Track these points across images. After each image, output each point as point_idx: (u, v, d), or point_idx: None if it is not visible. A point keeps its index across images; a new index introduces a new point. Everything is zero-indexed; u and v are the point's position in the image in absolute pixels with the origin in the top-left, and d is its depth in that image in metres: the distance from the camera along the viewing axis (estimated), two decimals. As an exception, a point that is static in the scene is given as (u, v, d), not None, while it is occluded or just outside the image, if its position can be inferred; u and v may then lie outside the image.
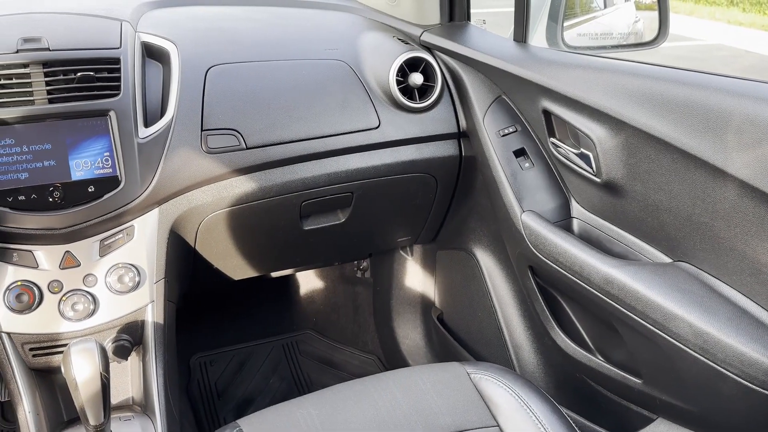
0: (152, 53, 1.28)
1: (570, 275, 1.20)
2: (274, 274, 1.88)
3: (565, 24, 1.44)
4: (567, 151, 1.24)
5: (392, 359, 1.93)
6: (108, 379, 0.97)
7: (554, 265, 1.23)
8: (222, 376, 1.89)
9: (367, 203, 1.45)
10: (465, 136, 1.46)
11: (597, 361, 1.27)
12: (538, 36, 1.41)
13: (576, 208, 1.31)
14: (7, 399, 1.69)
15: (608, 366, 1.25)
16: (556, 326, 1.33)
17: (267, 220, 1.37)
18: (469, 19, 1.54)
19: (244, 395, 1.85)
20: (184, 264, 1.31)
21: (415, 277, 1.85)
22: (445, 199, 1.57)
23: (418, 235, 1.66)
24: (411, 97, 1.40)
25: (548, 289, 1.34)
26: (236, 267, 1.47)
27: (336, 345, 2.04)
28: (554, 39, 1.40)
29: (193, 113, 1.22)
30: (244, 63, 1.34)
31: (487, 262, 1.55)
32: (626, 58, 1.22)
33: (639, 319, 1.09)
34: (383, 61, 1.39)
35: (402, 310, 1.89)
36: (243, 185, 1.27)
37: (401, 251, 1.85)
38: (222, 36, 1.39)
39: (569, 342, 1.31)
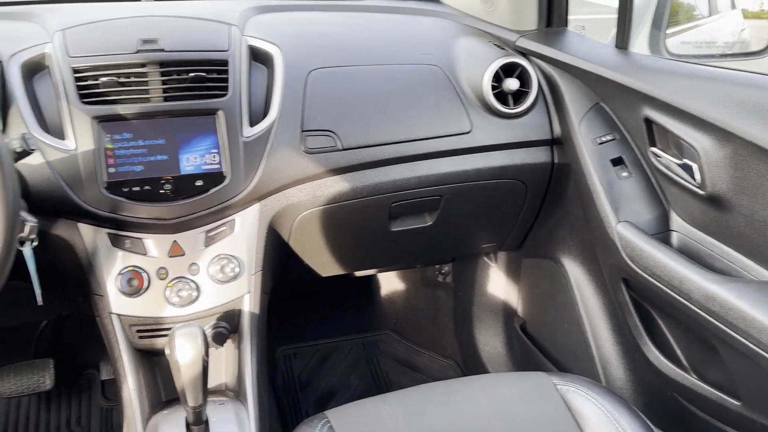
0: (257, 56, 1.34)
1: (667, 290, 1.16)
2: (358, 274, 1.92)
3: (668, 31, 1.40)
4: (668, 161, 1.21)
5: (471, 365, 1.93)
6: (207, 363, 1.03)
7: (650, 279, 1.20)
8: (305, 369, 1.94)
9: (455, 207, 1.46)
10: (558, 143, 1.44)
11: (692, 380, 1.22)
12: (638, 43, 1.38)
13: (676, 221, 1.26)
14: (109, 377, 1.82)
15: (704, 385, 1.20)
16: (648, 341, 1.29)
17: (357, 220, 1.40)
18: (566, 24, 1.52)
19: (325, 389, 1.90)
20: (278, 258, 1.37)
21: (498, 284, 1.83)
22: (534, 207, 1.55)
23: (503, 241, 1.65)
24: (505, 103, 1.39)
25: (642, 302, 1.30)
26: (325, 264, 1.51)
27: (415, 348, 2.05)
28: (657, 46, 1.37)
29: (294, 114, 1.27)
30: (342, 67, 1.37)
31: (575, 272, 1.52)
32: (733, 67, 1.17)
33: (741, 339, 1.04)
34: (478, 65, 1.39)
35: (483, 317, 1.89)
36: (337, 185, 1.31)
37: (485, 257, 1.84)
38: (322, 41, 1.43)
39: (662, 358, 1.27)
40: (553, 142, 1.44)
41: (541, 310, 1.69)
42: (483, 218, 1.55)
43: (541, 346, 1.68)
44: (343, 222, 1.39)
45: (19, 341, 1.79)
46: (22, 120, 1.12)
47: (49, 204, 1.12)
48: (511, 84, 1.38)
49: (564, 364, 1.59)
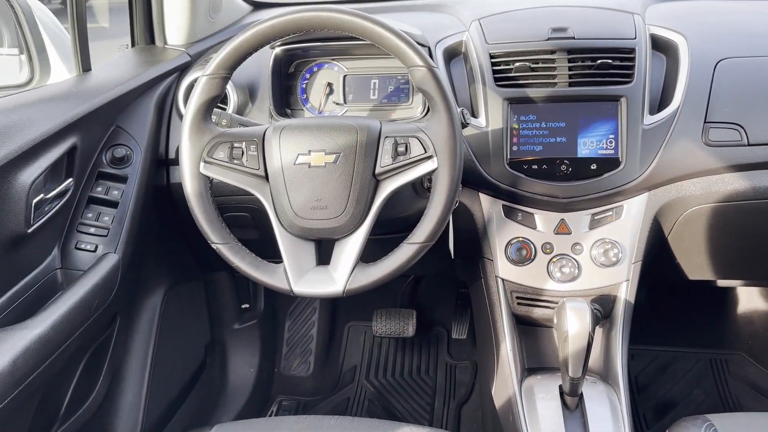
0: (657, 45, 1.32)
1: None
2: (722, 283, 1.77)
3: None
4: None
5: None
6: (592, 339, 1.06)
7: None
8: (643, 372, 1.88)
9: None
10: None
11: None
12: None
13: None
14: (458, 337, 1.99)
15: None
16: None
17: (751, 223, 1.29)
18: None
19: (665, 398, 1.81)
20: (655, 251, 1.34)
21: None
22: None
23: None
24: None
25: None
26: (698, 266, 1.43)
27: None
28: None
29: (698, 105, 1.22)
30: (755, 57, 1.28)
31: None
32: None
33: None
34: None
35: None
36: (737, 182, 1.23)
37: None
38: (732, 30, 1.35)
39: None
40: None
41: None
42: None
43: None
44: (733, 223, 1.29)
45: (387, 288, 2.08)
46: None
47: (459, 173, 1.28)
48: None
49: None
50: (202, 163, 1.06)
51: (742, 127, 1.21)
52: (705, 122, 1.22)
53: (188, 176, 1.06)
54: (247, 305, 1.81)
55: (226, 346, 1.79)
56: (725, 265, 1.43)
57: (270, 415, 1.81)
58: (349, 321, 2.11)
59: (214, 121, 1.13)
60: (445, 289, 2.09)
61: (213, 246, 1.07)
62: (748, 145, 1.21)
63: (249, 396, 1.77)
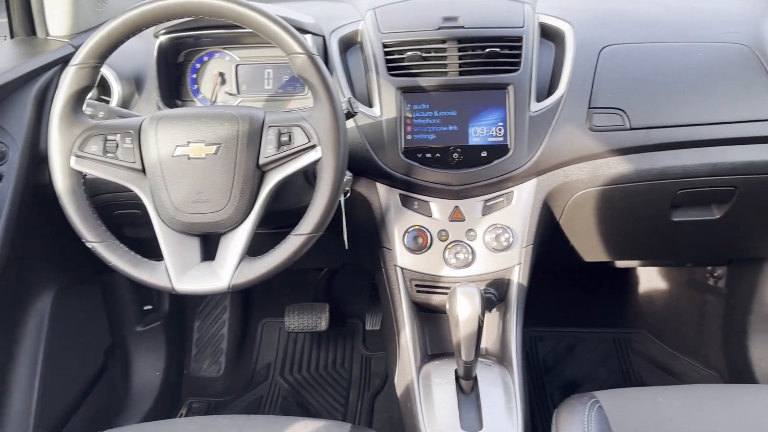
0: (546, 33, 1.35)
1: None
2: (620, 264, 1.84)
3: None
4: None
5: (739, 380, 1.74)
6: (483, 323, 1.08)
7: None
8: (550, 354, 1.93)
9: (750, 201, 1.32)
10: None
11: None
12: None
13: None
14: (372, 329, 2.00)
15: None
16: None
17: (636, 205, 1.34)
18: None
19: (570, 377, 1.87)
20: (547, 235, 1.37)
21: (786, 294, 1.63)
22: None
23: (803, 247, 1.46)
24: (831, 87, 1.22)
25: None
26: (591, 248, 1.48)
27: (673, 352, 1.91)
28: None
29: (582, 91, 1.26)
30: (637, 44, 1.32)
31: None
32: None
33: None
34: None
35: (761, 329, 1.69)
36: (620, 166, 1.27)
37: (771, 263, 1.64)
38: (616, 17, 1.40)
39: None
40: None
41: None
42: None
43: None
44: (620, 205, 1.34)
45: (302, 284, 2.06)
46: (340, 88, 1.28)
47: (355, 163, 1.27)
48: (843, 65, 1.21)
49: None
50: (73, 158, 1.01)
51: (624, 112, 1.26)
52: (589, 108, 1.26)
53: (58, 172, 1.01)
54: (150, 306, 1.75)
55: (128, 349, 1.73)
56: (616, 246, 1.49)
57: (179, 418, 1.76)
58: (262, 318, 2.08)
59: (90, 113, 1.08)
60: (359, 281, 2.09)
61: (88, 245, 1.03)
62: (630, 129, 1.25)
63: (155, 399, 1.72)
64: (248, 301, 2.05)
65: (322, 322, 1.92)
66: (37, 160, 1.29)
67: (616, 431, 0.97)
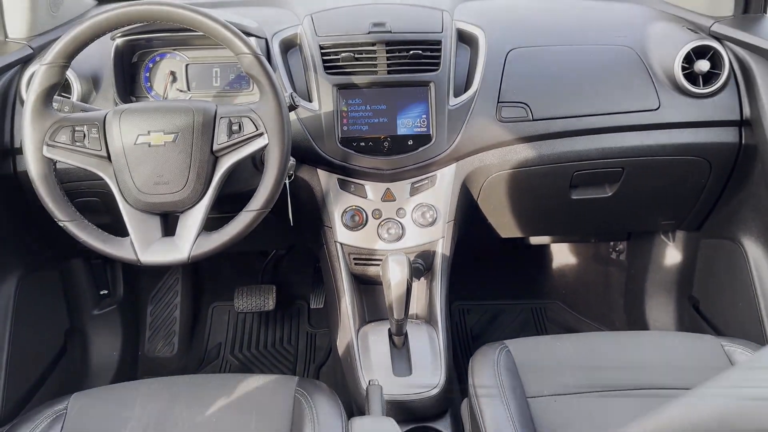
0: (463, 37, 1.55)
1: None
2: (534, 240, 2.07)
3: None
4: None
5: None
6: (411, 285, 1.27)
7: None
8: (477, 324, 2.15)
9: (636, 180, 1.56)
10: (747, 124, 1.48)
11: None
12: None
13: None
14: (316, 307, 2.16)
15: None
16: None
17: (541, 185, 1.56)
18: (766, 11, 1.54)
19: (494, 343, 2.09)
20: (467, 213, 1.58)
21: (674, 262, 1.89)
22: (717, 187, 1.60)
23: (683, 219, 1.71)
24: (694, 83, 1.47)
25: None
26: (506, 225, 1.69)
27: (583, 319, 2.16)
28: None
29: (492, 88, 1.47)
30: (539, 47, 1.54)
31: (756, 253, 1.55)
32: None
33: None
34: (671, 47, 1.48)
35: (655, 294, 1.95)
36: (525, 151, 1.48)
37: (662, 236, 1.90)
38: (522, 24, 1.61)
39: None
40: (741, 124, 1.48)
41: (715, 291, 1.72)
42: (664, 193, 1.63)
43: (714, 325, 1.71)
44: (527, 186, 1.56)
45: (249, 270, 2.20)
46: (283, 84, 1.44)
47: (297, 151, 1.43)
48: (702, 65, 1.45)
49: None
50: (45, 147, 1.13)
51: (528, 106, 1.47)
52: (498, 102, 1.46)
53: (32, 159, 1.13)
54: (106, 291, 1.86)
55: (86, 331, 1.84)
56: (527, 223, 1.71)
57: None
58: (213, 302, 2.21)
59: (56, 108, 1.20)
60: (303, 264, 2.25)
61: (60, 224, 1.15)
62: (533, 120, 1.47)
63: (113, 377, 1.83)
64: (199, 286, 2.17)
65: (270, 302, 2.07)
66: (0, 154, 1.40)
67: (519, 367, 1.17)
